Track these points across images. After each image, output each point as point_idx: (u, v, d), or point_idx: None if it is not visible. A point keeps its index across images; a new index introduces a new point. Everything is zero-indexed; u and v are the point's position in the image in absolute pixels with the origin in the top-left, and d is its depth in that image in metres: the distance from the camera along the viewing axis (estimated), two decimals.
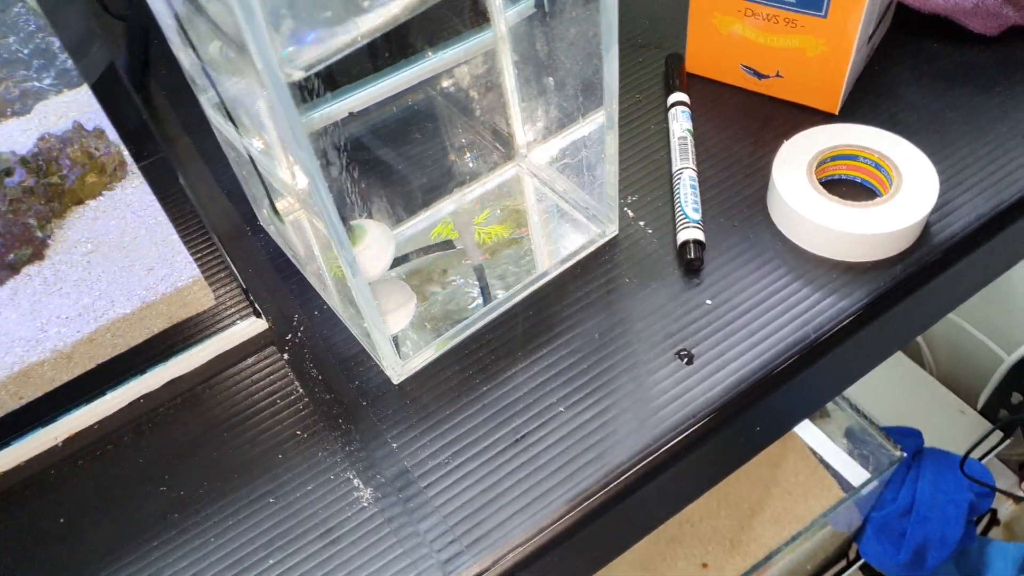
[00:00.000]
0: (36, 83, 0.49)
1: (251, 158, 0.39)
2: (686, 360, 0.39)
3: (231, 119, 0.39)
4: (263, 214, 0.47)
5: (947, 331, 1.19)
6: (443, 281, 0.44)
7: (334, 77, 0.37)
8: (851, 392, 0.96)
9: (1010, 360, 1.11)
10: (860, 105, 0.49)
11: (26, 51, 0.49)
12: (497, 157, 0.46)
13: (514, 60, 0.42)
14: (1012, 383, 1.12)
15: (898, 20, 0.53)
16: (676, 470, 0.38)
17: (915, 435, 1.06)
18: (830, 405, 0.97)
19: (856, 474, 0.92)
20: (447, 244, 0.45)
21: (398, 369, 0.40)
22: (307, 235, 0.42)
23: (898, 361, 1.23)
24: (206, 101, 0.41)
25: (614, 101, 0.39)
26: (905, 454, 0.88)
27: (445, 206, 0.45)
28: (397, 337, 0.41)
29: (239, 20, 0.25)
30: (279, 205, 0.42)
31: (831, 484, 0.95)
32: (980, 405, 1.18)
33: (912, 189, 0.42)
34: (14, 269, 0.40)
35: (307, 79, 0.34)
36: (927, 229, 0.43)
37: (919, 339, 1.22)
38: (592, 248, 0.44)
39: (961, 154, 0.46)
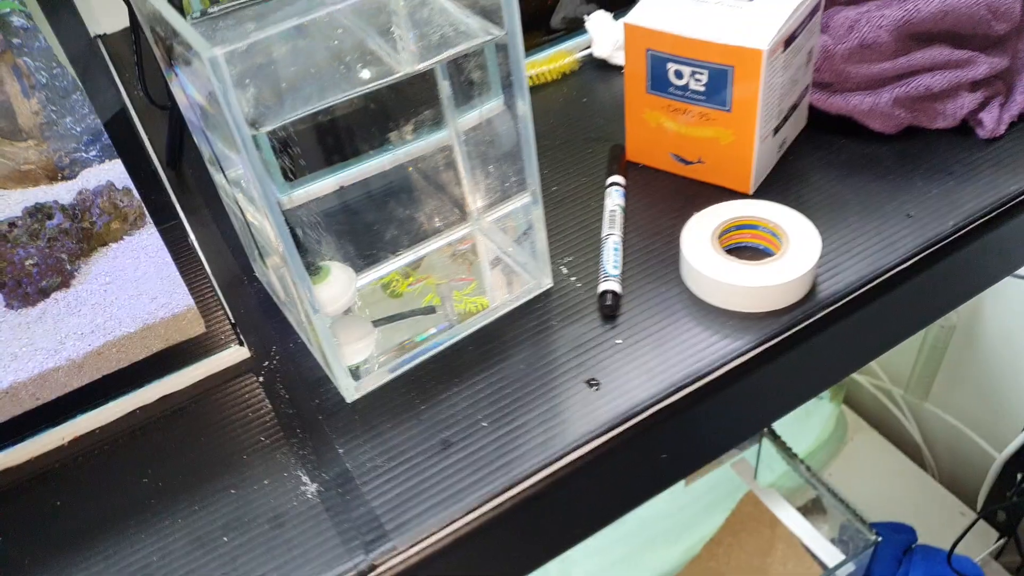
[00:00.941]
0: (84, 154, 0.59)
1: (245, 219, 0.48)
2: (594, 387, 0.46)
3: (235, 196, 0.48)
4: (256, 266, 0.55)
5: (944, 431, 1.22)
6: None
7: (310, 161, 0.46)
8: (844, 486, 1.00)
9: (1001, 458, 1.12)
10: (772, 188, 0.57)
11: (78, 129, 0.60)
12: (453, 219, 0.54)
13: (464, 150, 0.51)
14: (1005, 481, 1.14)
15: (814, 119, 0.61)
16: (582, 483, 0.44)
17: (908, 531, 1.08)
18: (825, 499, 1.00)
19: (837, 559, 0.94)
20: (429, 309, 0.53)
21: (351, 392, 0.47)
22: (286, 279, 0.50)
23: (900, 462, 1.25)
24: (217, 176, 0.51)
25: (536, 184, 0.47)
26: (879, 538, 0.91)
27: (406, 257, 0.53)
28: (359, 365, 0.48)
29: (220, 101, 0.34)
30: (267, 260, 0.50)
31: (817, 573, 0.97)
32: (979, 505, 1.19)
33: (798, 250, 0.49)
34: (45, 293, 0.48)
35: (289, 165, 0.44)
36: (815, 288, 0.49)
37: (919, 440, 1.25)
38: (528, 297, 0.52)
39: (851, 226, 0.53)
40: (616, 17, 0.71)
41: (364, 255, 0.52)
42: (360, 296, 0.52)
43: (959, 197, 0.54)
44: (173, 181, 0.67)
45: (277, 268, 0.49)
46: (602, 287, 0.50)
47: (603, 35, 0.70)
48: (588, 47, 0.72)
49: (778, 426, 1.07)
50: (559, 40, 0.73)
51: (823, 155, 0.59)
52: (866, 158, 0.58)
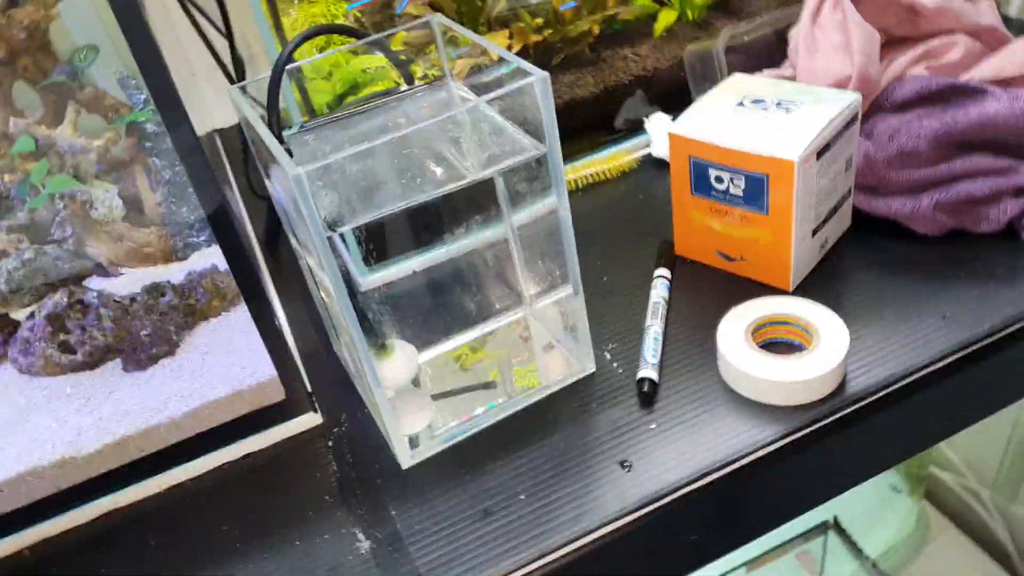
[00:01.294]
0: (195, 239, 0.69)
1: (324, 302, 0.55)
2: (627, 468, 0.50)
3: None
4: (333, 340, 0.62)
5: None
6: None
7: (386, 250, 0.53)
8: None
9: None
10: (813, 285, 0.60)
11: (192, 217, 0.69)
12: (508, 304, 0.60)
13: (518, 243, 0.57)
14: None
15: (861, 220, 0.64)
16: (612, 557, 0.48)
17: None
18: None
19: None
20: (489, 384, 0.58)
21: (406, 459, 0.53)
22: (355, 355, 0.56)
23: (986, 567, 1.20)
24: (302, 261, 0.58)
25: (576, 278, 0.53)
26: None
27: (464, 337, 0.59)
28: (417, 435, 0.54)
29: (300, 205, 0.41)
30: (341, 338, 0.57)
31: None
32: None
33: (827, 346, 0.52)
34: (155, 360, 0.56)
35: (370, 252, 0.50)
36: (844, 384, 0.52)
37: (1007, 544, 1.20)
38: (572, 380, 0.56)
39: (886, 325, 0.55)
40: (675, 119, 0.76)
41: (429, 334, 0.58)
42: (433, 366, 0.58)
43: (999, 300, 0.56)
44: (269, 262, 0.75)
45: (348, 345, 0.56)
46: (640, 374, 0.54)
47: (661, 135, 0.75)
48: (647, 146, 0.77)
49: (849, 519, 1.06)
50: (621, 140, 0.79)
51: (867, 255, 0.62)
52: (909, 259, 0.60)
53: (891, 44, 0.67)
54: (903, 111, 0.61)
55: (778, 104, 0.58)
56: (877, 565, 0.94)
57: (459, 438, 0.54)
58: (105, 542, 0.53)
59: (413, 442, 0.53)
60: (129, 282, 0.65)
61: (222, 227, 0.49)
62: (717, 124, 0.58)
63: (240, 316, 0.59)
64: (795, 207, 0.55)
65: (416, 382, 0.55)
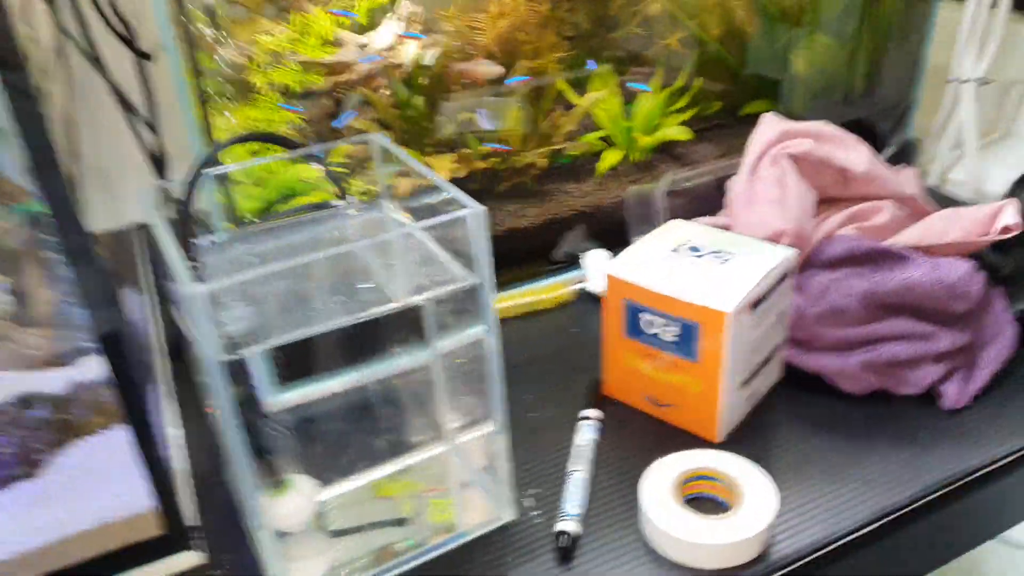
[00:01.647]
0: (86, 342, 0.63)
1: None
2: None
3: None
4: (225, 467, 0.56)
5: None
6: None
7: (301, 368, 0.49)
8: None
9: None
10: (741, 438, 0.58)
11: (84, 320, 0.63)
12: (426, 438, 0.55)
13: (442, 373, 0.53)
14: None
15: (791, 373, 0.63)
16: None
17: None
18: None
19: None
20: (401, 521, 0.53)
21: None
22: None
23: None
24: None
25: (501, 416, 0.50)
26: None
27: (376, 473, 0.54)
28: None
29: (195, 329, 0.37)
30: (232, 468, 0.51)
31: None
32: None
33: (753, 508, 0.49)
34: (7, 482, 0.50)
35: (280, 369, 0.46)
36: (769, 549, 0.49)
37: None
38: (489, 528, 0.52)
39: (813, 487, 0.53)
40: (613, 256, 0.76)
41: (338, 465, 0.53)
42: (350, 495, 0.52)
43: (921, 466, 0.55)
44: (174, 368, 0.69)
45: (235, 477, 0.50)
46: (559, 526, 0.50)
47: (597, 272, 0.74)
48: (584, 281, 0.76)
49: None
50: (559, 271, 0.77)
51: (794, 409, 0.60)
52: (835, 417, 0.59)
53: (824, 202, 0.68)
54: (833, 269, 0.62)
55: (714, 253, 0.57)
56: None
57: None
58: None
59: None
60: (1, 387, 0.58)
61: (110, 343, 0.45)
62: (653, 269, 0.57)
63: (122, 435, 0.53)
64: (725, 357, 0.53)
65: (319, 519, 0.50)
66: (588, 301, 0.76)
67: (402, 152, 0.51)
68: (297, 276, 0.46)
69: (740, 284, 0.54)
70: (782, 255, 0.57)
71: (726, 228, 0.64)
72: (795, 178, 0.65)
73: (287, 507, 0.47)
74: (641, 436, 0.59)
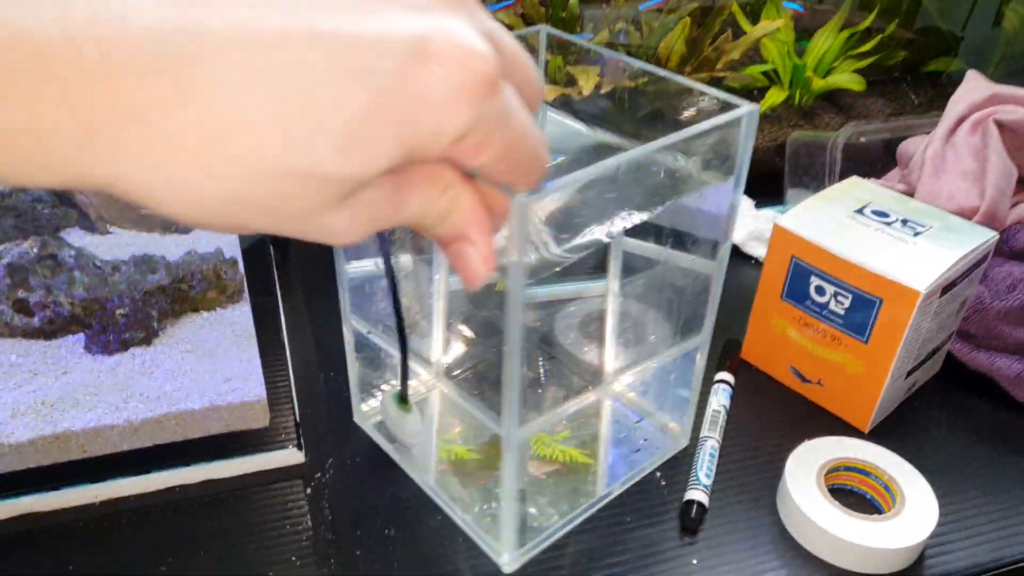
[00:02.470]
0: None
1: (402, 341, 0.38)
2: None
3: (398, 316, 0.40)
4: (361, 411, 0.51)
5: None
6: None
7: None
8: None
9: None
10: (890, 431, 0.52)
11: None
12: (583, 383, 0.49)
13: (618, 309, 0.48)
14: None
15: (948, 367, 0.57)
16: None
17: None
18: None
19: None
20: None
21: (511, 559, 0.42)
22: (433, 416, 0.46)
23: None
24: (349, 306, 0.47)
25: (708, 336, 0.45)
26: None
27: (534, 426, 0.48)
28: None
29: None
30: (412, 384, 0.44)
31: None
32: None
33: (912, 515, 0.44)
34: (125, 346, 0.47)
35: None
36: (922, 560, 0.44)
37: None
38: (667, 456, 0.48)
39: (973, 503, 0.47)
40: (757, 206, 0.69)
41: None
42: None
43: None
44: (277, 259, 0.66)
45: (423, 396, 0.45)
46: (688, 495, 0.46)
47: (740, 222, 0.68)
48: None
49: None
50: None
51: (953, 410, 0.54)
52: (1000, 426, 0.53)
53: (1021, 183, 0.60)
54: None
55: (904, 223, 0.50)
56: None
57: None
58: (17, 549, 0.43)
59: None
60: (114, 245, 0.55)
61: None
62: (832, 228, 0.50)
63: (237, 316, 0.50)
64: (903, 342, 0.47)
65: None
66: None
67: (599, 47, 0.45)
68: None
69: (935, 262, 0.47)
70: (983, 237, 0.50)
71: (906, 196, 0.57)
72: (999, 150, 0.57)
73: (419, 426, 0.43)
74: (779, 411, 0.54)
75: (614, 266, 0.46)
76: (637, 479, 0.48)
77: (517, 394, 0.35)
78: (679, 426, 0.50)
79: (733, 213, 0.42)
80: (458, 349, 0.46)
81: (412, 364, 0.44)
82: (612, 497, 0.47)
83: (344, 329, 0.47)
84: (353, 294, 0.45)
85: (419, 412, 0.40)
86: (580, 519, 0.46)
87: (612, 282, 0.47)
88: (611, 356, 0.48)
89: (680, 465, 0.49)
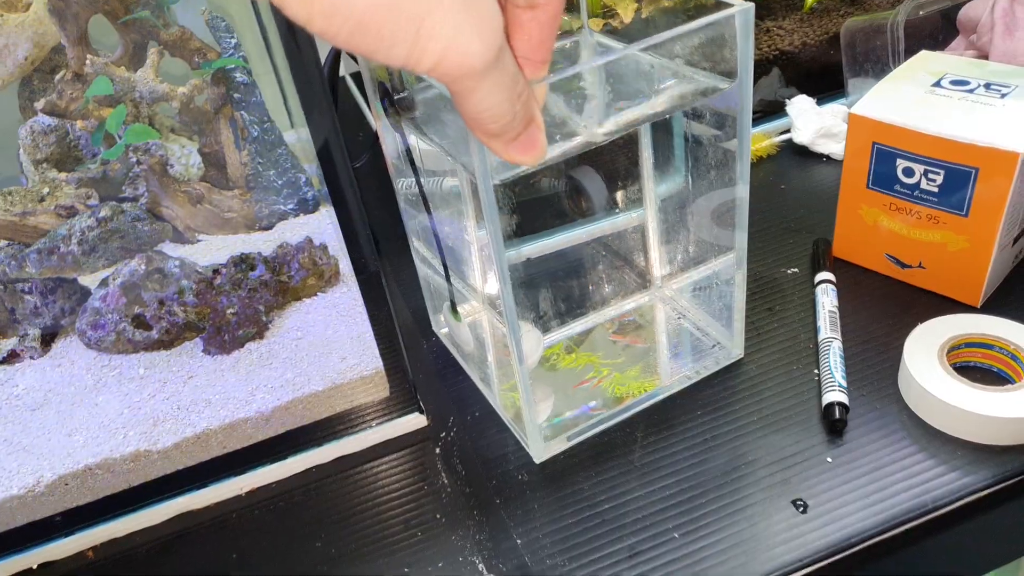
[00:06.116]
0: (281, 207, 0.61)
1: (445, 269, 0.48)
2: (801, 509, 0.42)
3: (437, 243, 0.48)
4: (439, 320, 0.55)
5: None
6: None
7: (525, 226, 0.46)
8: None
9: None
10: (1006, 301, 0.51)
11: (280, 182, 0.61)
12: (635, 286, 0.52)
13: (659, 219, 0.50)
14: None
15: None
16: None
17: None
18: None
19: None
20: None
21: (540, 451, 0.45)
22: (482, 333, 0.49)
23: None
24: (412, 230, 0.51)
25: (743, 247, 0.46)
26: None
27: (588, 320, 0.51)
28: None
29: (473, 150, 0.33)
30: (461, 310, 0.49)
31: None
32: None
33: None
34: (240, 343, 0.49)
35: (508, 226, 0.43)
36: None
37: None
38: (716, 368, 0.49)
39: None
40: (819, 103, 0.68)
41: (550, 316, 0.51)
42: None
43: None
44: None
45: (471, 316, 0.48)
46: (829, 397, 0.46)
47: (805, 121, 0.66)
48: (786, 131, 0.69)
49: None
50: (755, 122, 0.70)
51: None
52: None
53: None
54: None
55: (987, 87, 0.49)
56: None
57: (587, 435, 0.47)
58: (178, 547, 0.46)
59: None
60: (207, 251, 0.57)
61: (337, 184, 0.41)
62: (912, 107, 0.49)
63: (338, 298, 0.52)
64: (1007, 209, 0.46)
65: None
66: (794, 154, 0.69)
67: None
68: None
69: None
70: None
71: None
72: None
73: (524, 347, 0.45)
74: (883, 301, 0.53)
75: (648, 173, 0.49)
76: (697, 380, 0.49)
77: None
78: (730, 336, 0.50)
79: (745, 116, 0.41)
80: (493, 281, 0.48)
81: (463, 290, 0.49)
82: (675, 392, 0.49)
83: (414, 258, 0.51)
84: (414, 225, 0.50)
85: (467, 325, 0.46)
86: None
87: (650, 196, 0.49)
88: (657, 262, 0.52)
89: (734, 376, 0.49)
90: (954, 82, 0.50)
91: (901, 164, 0.49)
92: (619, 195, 0.50)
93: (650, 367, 0.50)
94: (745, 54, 0.38)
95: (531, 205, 0.47)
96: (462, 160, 0.38)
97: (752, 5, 0.37)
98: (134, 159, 0.57)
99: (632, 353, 0.51)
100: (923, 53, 0.54)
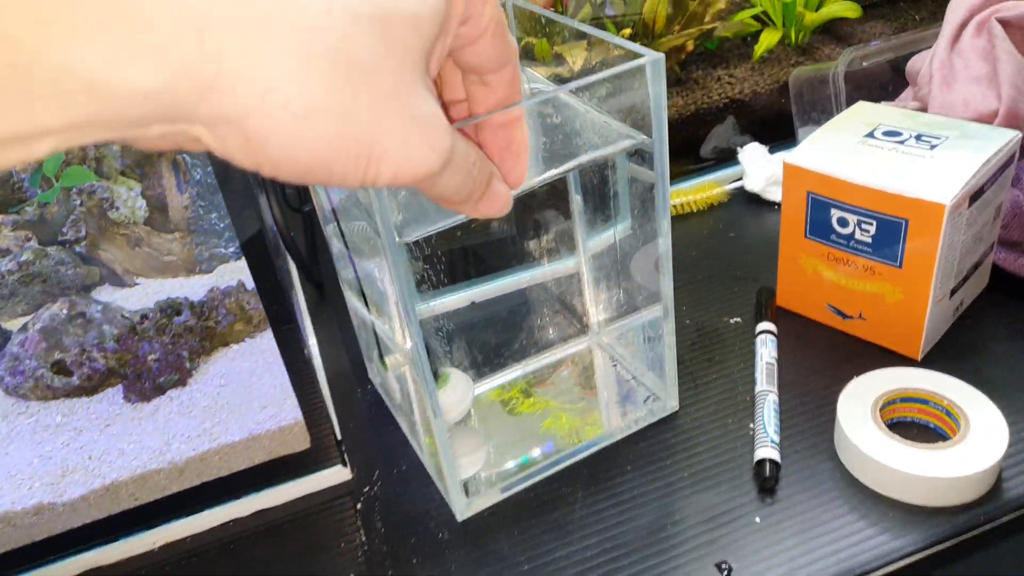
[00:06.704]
0: (222, 250, 0.60)
1: (372, 324, 0.47)
2: (725, 573, 0.40)
3: (361, 293, 0.47)
4: (372, 368, 0.54)
5: None
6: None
7: (451, 275, 0.45)
8: None
9: None
10: (944, 355, 0.50)
11: (221, 225, 0.61)
12: (572, 332, 0.51)
13: (592, 271, 0.49)
14: None
15: (996, 279, 0.54)
16: None
17: None
18: None
19: None
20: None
21: (462, 509, 0.44)
22: (407, 385, 0.48)
23: None
24: (344, 280, 0.50)
25: (670, 299, 0.45)
26: None
27: (524, 366, 0.51)
28: (468, 481, 0.45)
29: (375, 212, 0.33)
30: (387, 360, 0.49)
31: None
32: None
33: (980, 438, 0.42)
34: (161, 390, 0.48)
35: (424, 274, 0.43)
36: (998, 486, 0.42)
37: None
38: (652, 420, 0.48)
39: None
40: (772, 151, 0.67)
41: (483, 364, 0.50)
42: (476, 408, 0.50)
43: None
44: (304, 284, 0.67)
45: (397, 368, 0.47)
46: (761, 453, 0.44)
47: (757, 169, 0.66)
48: (739, 179, 0.68)
49: None
50: (708, 170, 0.70)
51: (1008, 323, 0.52)
52: None
53: None
54: None
55: (918, 138, 0.48)
56: None
57: (519, 488, 0.45)
58: None
59: (465, 491, 0.45)
60: (143, 295, 0.56)
61: (251, 236, 0.41)
62: (844, 157, 0.48)
63: (266, 345, 0.51)
64: (938, 261, 0.45)
65: (463, 422, 0.47)
66: (746, 202, 0.68)
67: (545, 11, 0.44)
68: None
69: (957, 172, 0.45)
70: (1005, 138, 0.48)
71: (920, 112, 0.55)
72: (1008, 48, 0.54)
73: (448, 399, 0.44)
74: (824, 352, 0.52)
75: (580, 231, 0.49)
76: (629, 433, 0.48)
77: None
78: (664, 387, 0.49)
79: (661, 163, 0.40)
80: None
81: (387, 340, 0.48)
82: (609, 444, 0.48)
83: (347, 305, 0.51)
84: (346, 273, 0.50)
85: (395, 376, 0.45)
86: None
87: (581, 244, 0.49)
88: (592, 308, 0.51)
89: (669, 428, 0.48)
90: (887, 133, 0.50)
91: (835, 214, 0.49)
92: (552, 240, 0.50)
93: (585, 416, 0.49)
94: (659, 106, 0.38)
95: (454, 255, 0.46)
96: (366, 219, 0.37)
97: (662, 56, 0.36)
98: (77, 202, 0.57)
99: (566, 400, 0.50)
100: (860, 103, 0.54)
